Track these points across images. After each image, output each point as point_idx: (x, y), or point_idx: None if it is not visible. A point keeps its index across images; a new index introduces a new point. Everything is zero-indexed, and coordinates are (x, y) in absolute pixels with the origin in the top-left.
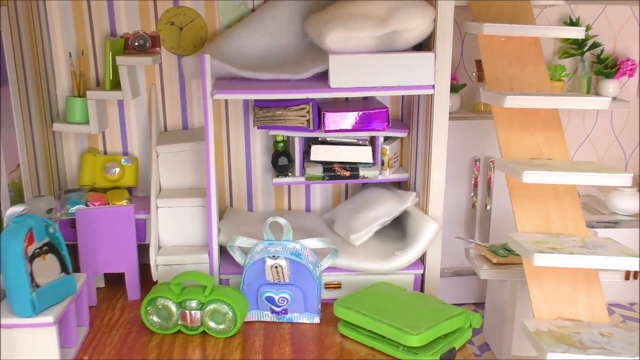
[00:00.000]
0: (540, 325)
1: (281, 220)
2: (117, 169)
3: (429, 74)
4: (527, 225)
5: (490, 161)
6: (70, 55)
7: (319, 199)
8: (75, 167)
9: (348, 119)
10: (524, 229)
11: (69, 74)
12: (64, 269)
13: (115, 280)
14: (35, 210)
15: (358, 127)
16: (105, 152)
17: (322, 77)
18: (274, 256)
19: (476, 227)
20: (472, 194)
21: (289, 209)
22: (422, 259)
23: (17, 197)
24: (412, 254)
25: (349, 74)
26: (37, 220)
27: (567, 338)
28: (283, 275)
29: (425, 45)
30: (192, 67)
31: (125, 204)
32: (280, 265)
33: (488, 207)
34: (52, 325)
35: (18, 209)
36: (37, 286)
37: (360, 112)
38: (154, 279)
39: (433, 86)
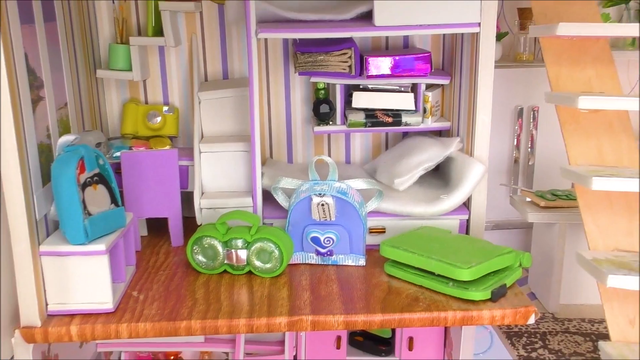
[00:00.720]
0: (597, 255)
1: (327, 159)
2: (159, 118)
3: (475, 12)
4: (580, 159)
5: (534, 109)
6: (113, 2)
7: (359, 150)
8: (117, 117)
9: (390, 63)
10: (577, 163)
11: (111, 21)
12: (113, 201)
13: (157, 229)
14: (85, 142)
15: (400, 71)
16: (146, 102)
17: (365, 19)
18: (320, 194)
19: (519, 181)
20: (515, 151)
21: None
22: (466, 204)
23: (64, 133)
24: (458, 196)
25: (394, 12)
26: (88, 149)
27: (627, 265)
28: (329, 214)
29: None
30: (235, 10)
31: (168, 148)
32: (326, 203)
33: (531, 163)
34: (104, 253)
35: (70, 137)
36: (89, 214)
37: (403, 56)
38: (198, 223)
39: (479, 24)
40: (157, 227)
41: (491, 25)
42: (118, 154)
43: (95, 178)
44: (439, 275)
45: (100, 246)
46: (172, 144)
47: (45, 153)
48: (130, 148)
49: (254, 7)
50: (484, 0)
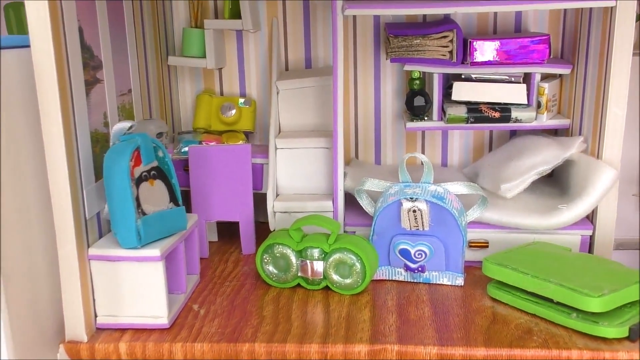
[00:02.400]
0: None
1: (421, 157)
2: (234, 110)
3: None
4: None
5: None
6: None
7: (458, 151)
8: (190, 109)
9: (499, 49)
10: None
11: (187, 4)
12: (173, 199)
13: (228, 235)
14: (144, 131)
15: (512, 59)
16: (221, 94)
17: None
18: (412, 198)
19: None
20: None
21: (422, 163)
22: (590, 217)
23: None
24: (582, 206)
25: None
26: (145, 139)
27: None
28: (422, 222)
29: None
30: None
31: (241, 143)
32: (419, 209)
33: None
34: (158, 260)
35: (125, 125)
36: (144, 213)
37: (516, 39)
38: (271, 228)
39: None
40: (229, 232)
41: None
42: (187, 148)
43: (153, 172)
44: (558, 304)
45: (155, 251)
46: (246, 140)
47: (101, 142)
48: (200, 143)
49: None
50: None
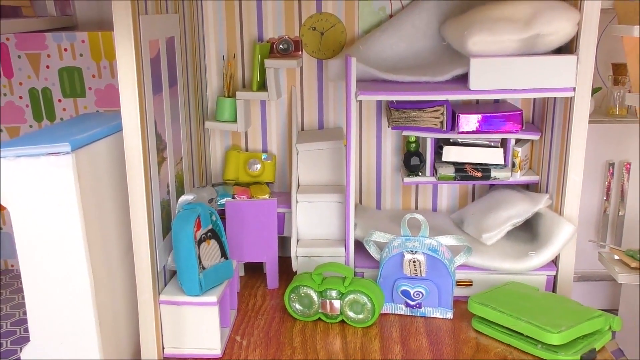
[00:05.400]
0: None
1: (419, 217)
2: (259, 165)
3: (570, 77)
4: None
5: (625, 165)
6: (223, 59)
7: (446, 199)
8: (220, 163)
9: (482, 121)
10: None
11: (220, 75)
12: (223, 254)
13: (252, 270)
14: (199, 199)
15: (491, 129)
16: (247, 150)
17: (460, 80)
18: (412, 251)
19: (608, 232)
20: (605, 200)
21: (416, 208)
22: (554, 261)
23: (179, 187)
24: (546, 254)
25: (490, 77)
26: (203, 207)
27: None
28: (420, 270)
29: (565, 47)
30: (335, 70)
31: (268, 197)
32: (418, 260)
33: (621, 213)
34: (215, 305)
35: (189, 197)
36: (204, 268)
37: (495, 114)
38: (294, 269)
39: (574, 89)
40: (252, 267)
41: (586, 90)
42: (223, 201)
43: (209, 234)
44: (527, 336)
45: (212, 298)
46: (270, 192)
47: (166, 209)
48: (233, 196)
49: (355, 69)
50: (579, 66)
